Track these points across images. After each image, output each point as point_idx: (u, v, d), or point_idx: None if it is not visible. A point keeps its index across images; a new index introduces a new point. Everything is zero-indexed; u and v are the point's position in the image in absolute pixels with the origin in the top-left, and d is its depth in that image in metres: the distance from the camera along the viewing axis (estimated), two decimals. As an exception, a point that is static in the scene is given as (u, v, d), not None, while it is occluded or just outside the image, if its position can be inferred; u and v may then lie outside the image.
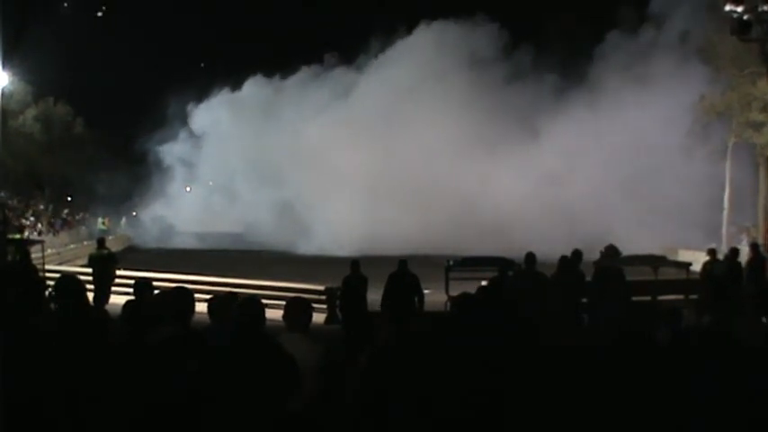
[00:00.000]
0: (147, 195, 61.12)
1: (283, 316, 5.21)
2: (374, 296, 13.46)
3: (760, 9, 16.52)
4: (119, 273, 17.18)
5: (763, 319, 13.36)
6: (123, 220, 57.48)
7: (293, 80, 55.24)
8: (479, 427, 4.45)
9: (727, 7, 17.08)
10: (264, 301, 5.16)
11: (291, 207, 49.14)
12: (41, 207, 47.84)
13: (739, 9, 16.71)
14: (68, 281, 5.30)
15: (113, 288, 16.02)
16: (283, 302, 5.34)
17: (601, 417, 4.53)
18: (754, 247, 15.91)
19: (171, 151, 58.03)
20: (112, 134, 57.96)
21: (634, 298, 13.75)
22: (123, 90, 63.38)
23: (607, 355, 4.92)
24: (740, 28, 16.98)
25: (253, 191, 51.76)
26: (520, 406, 4.52)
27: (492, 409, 4.48)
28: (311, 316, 5.33)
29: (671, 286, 17.00)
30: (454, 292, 13.52)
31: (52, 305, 5.30)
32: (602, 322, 11.87)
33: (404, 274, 13.15)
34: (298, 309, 5.27)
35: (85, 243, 36.35)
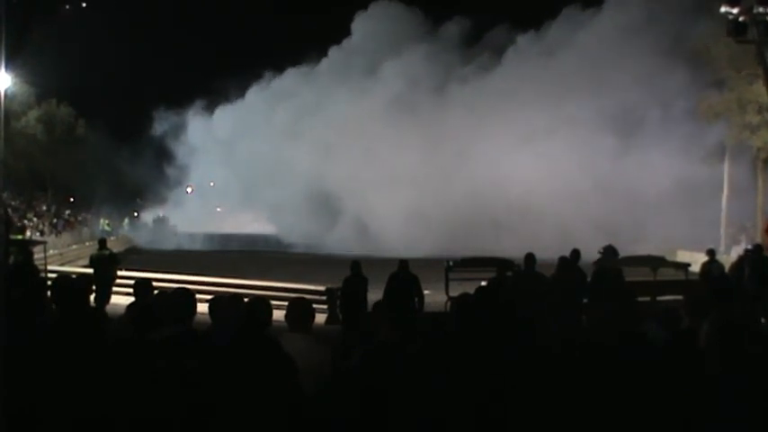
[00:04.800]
0: (151, 196, 61.17)
1: (285, 316, 5.26)
2: (374, 296, 13.49)
3: (755, 11, 16.53)
4: (120, 273, 17.25)
5: (762, 320, 13.42)
6: (126, 220, 57.55)
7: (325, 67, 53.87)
8: (477, 426, 4.49)
9: (724, 9, 17.11)
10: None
11: (328, 204, 48.42)
12: (44, 208, 47.92)
13: (735, 11, 16.73)
14: (66, 281, 5.34)
15: (114, 288, 16.09)
16: (284, 303, 5.39)
17: (596, 416, 4.56)
18: (756, 248, 15.91)
19: (176, 151, 57.99)
20: (114, 135, 58.07)
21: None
22: (125, 91, 63.48)
23: (602, 355, 4.96)
24: (736, 30, 17.00)
25: (284, 189, 50.51)
26: (517, 405, 4.55)
27: (489, 408, 4.52)
28: (314, 316, 5.38)
29: (670, 287, 17.01)
30: (454, 293, 13.57)
31: (54, 306, 5.34)
32: (601, 323, 11.88)
33: (404, 274, 13.19)
34: (300, 309, 5.32)
35: (87, 244, 36.43)
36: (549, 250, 13.33)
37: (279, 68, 55.92)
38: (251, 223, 58.48)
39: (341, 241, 43.65)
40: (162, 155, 59.03)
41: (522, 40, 48.36)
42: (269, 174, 51.29)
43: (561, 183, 40.95)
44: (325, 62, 54.67)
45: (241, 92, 56.18)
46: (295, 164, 49.18)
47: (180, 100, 57.59)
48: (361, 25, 53.69)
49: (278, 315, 5.22)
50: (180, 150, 57.43)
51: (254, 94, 55.72)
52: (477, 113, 44.46)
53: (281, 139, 50.34)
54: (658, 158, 38.19)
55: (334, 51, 54.80)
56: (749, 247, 18.91)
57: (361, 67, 50.52)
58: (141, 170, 58.52)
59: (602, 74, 41.58)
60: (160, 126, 57.19)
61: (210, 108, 57.65)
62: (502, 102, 43.69)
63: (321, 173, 47.99)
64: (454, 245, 34.57)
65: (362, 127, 46.65)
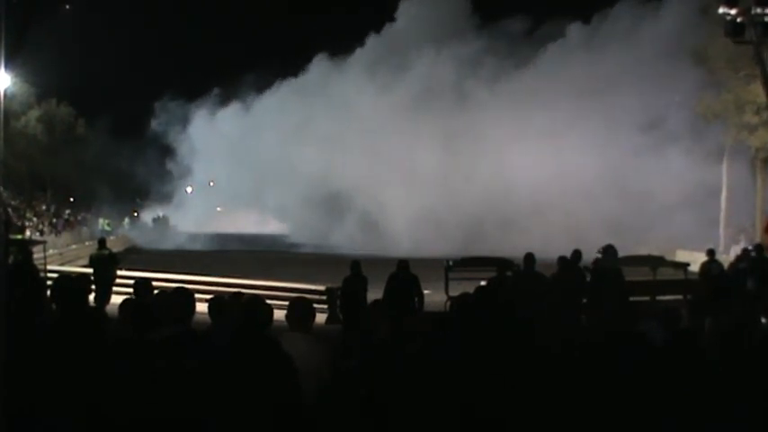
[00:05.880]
0: (152, 196, 61.10)
1: (286, 315, 5.27)
2: (374, 296, 13.47)
3: (753, 12, 16.53)
4: (120, 273, 17.25)
5: (763, 320, 13.44)
6: (126, 220, 57.53)
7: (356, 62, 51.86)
8: (477, 425, 4.49)
9: (721, 10, 17.13)
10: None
11: (338, 203, 47.97)
12: (43, 207, 47.93)
13: (733, 12, 16.74)
14: (66, 281, 5.34)
15: (114, 288, 16.09)
16: (284, 302, 5.41)
17: (596, 416, 4.56)
18: (758, 248, 15.93)
19: (178, 150, 57.88)
20: (115, 134, 58.16)
21: (633, 298, 13.78)
22: (125, 90, 63.48)
23: (602, 355, 4.96)
24: (734, 30, 17.01)
25: (293, 188, 49.66)
26: (517, 405, 4.55)
27: (489, 408, 4.52)
28: (314, 316, 5.39)
29: (670, 286, 17.04)
30: (454, 293, 13.55)
31: (54, 305, 5.34)
32: (601, 323, 11.91)
33: (404, 274, 13.19)
34: (300, 309, 5.34)
35: (87, 243, 36.42)
36: (561, 251, 13.31)
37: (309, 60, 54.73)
38: (255, 223, 58.37)
39: (351, 241, 43.43)
40: (163, 154, 59.12)
41: (563, 38, 47.15)
42: (277, 172, 50.59)
43: (575, 183, 40.81)
44: (359, 53, 52.84)
45: (253, 89, 55.56)
46: (305, 162, 48.42)
47: (182, 99, 57.64)
48: (406, 11, 51.69)
49: (278, 315, 5.22)
50: (182, 149, 57.38)
51: (274, 91, 54.79)
52: (496, 113, 44.03)
53: (291, 137, 49.59)
54: (675, 159, 38.06)
55: (371, 41, 52.86)
56: (747, 246, 18.93)
57: (393, 60, 49.02)
58: (142, 170, 58.56)
59: (625, 74, 41.28)
60: (160, 125, 57.09)
61: (225, 103, 57.14)
62: (522, 101, 43.35)
63: (332, 171, 47.34)
64: (466, 245, 34.46)
65: (377, 125, 46.18)
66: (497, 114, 43.84)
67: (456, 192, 43.81)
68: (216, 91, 57.22)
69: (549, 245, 21.91)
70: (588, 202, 39.73)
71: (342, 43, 53.33)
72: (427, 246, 35.98)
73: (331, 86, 50.65)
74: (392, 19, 52.54)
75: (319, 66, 53.77)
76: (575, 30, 46.87)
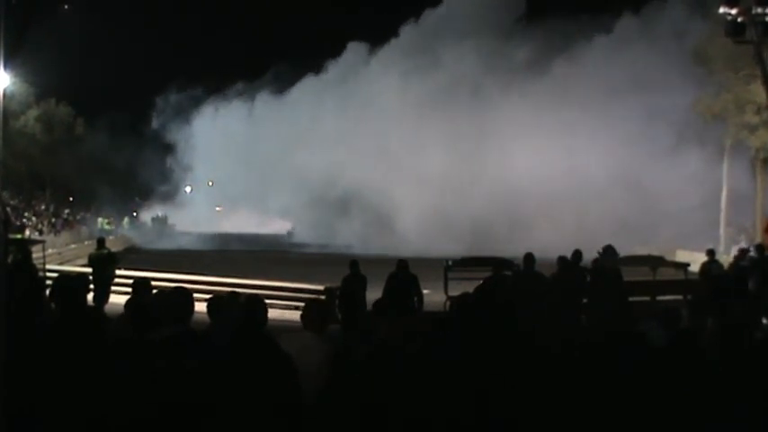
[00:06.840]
0: (152, 196, 61.01)
1: (302, 315, 5.33)
2: (374, 296, 13.45)
3: (754, 11, 16.52)
4: (119, 273, 17.24)
5: (764, 320, 13.45)
6: (125, 220, 57.51)
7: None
8: (477, 425, 4.49)
9: (722, 9, 17.12)
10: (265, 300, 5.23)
11: (345, 203, 47.85)
12: (43, 207, 47.95)
13: (733, 11, 16.73)
14: (66, 280, 5.34)
15: (113, 288, 16.08)
16: (283, 302, 5.44)
17: (596, 416, 4.56)
18: (759, 248, 15.95)
19: (178, 149, 57.80)
20: (114, 134, 58.17)
21: (633, 298, 13.78)
22: (126, 90, 63.46)
23: (602, 355, 4.96)
24: (734, 30, 17.01)
25: (299, 188, 49.49)
26: (517, 405, 4.55)
27: (489, 408, 4.52)
28: (330, 318, 5.45)
29: (670, 287, 17.06)
30: (453, 293, 13.57)
31: (53, 305, 5.34)
32: (601, 323, 11.91)
33: (403, 274, 13.19)
34: (318, 310, 5.40)
35: (86, 243, 36.39)
36: (569, 251, 13.32)
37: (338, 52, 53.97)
38: (257, 223, 58.31)
39: (358, 240, 43.34)
40: (164, 152, 59.11)
41: (583, 40, 46.35)
42: (282, 171, 50.32)
43: (584, 182, 40.80)
44: (393, 43, 51.89)
45: (276, 83, 55.12)
46: (312, 161, 48.12)
47: (188, 93, 57.55)
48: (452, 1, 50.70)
49: (276, 314, 5.23)
50: (183, 146, 57.32)
51: (286, 89, 54.32)
52: (507, 113, 43.83)
53: (299, 136, 49.26)
54: (681, 159, 38.10)
55: (405, 31, 51.97)
56: (744, 246, 18.96)
57: (421, 54, 48.15)
58: (142, 169, 58.52)
59: (635, 75, 41.16)
60: (161, 122, 57.07)
61: (240, 98, 56.75)
62: (532, 102, 43.21)
63: (341, 170, 47.13)
64: (476, 245, 34.40)
65: (387, 124, 46.03)
66: (507, 114, 43.77)
67: (466, 191, 43.75)
68: (239, 86, 57.04)
69: (558, 244, 21.94)
70: (597, 201, 39.75)
71: (382, 32, 52.69)
72: (436, 245, 35.85)
73: (345, 85, 50.32)
74: (433, 5, 51.62)
75: (347, 59, 53.03)
76: (595, 31, 46.43)
